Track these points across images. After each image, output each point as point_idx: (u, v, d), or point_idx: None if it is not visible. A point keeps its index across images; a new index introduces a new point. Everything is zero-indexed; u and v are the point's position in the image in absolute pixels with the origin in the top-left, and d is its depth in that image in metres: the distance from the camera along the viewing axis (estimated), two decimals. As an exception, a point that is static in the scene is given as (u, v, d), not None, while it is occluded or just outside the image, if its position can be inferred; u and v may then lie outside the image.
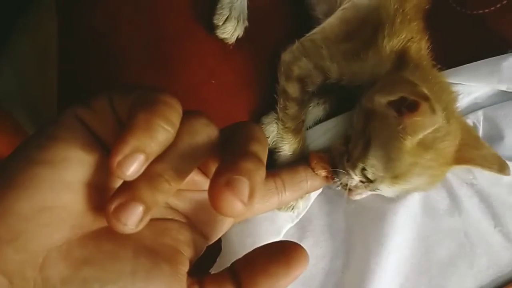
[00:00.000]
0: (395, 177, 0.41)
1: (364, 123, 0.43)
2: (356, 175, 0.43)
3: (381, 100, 0.41)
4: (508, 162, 0.47)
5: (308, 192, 0.46)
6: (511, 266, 0.48)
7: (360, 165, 0.42)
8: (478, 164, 0.44)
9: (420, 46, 0.47)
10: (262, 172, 0.28)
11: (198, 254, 0.33)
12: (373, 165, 0.41)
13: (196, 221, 0.33)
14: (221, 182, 0.26)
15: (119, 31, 0.47)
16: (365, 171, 0.42)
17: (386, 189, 0.43)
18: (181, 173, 0.28)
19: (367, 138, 0.42)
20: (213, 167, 0.28)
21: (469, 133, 0.45)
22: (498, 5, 0.52)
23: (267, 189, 0.43)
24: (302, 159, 0.46)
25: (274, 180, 0.43)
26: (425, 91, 0.37)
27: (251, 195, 0.26)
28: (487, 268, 0.48)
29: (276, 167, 0.47)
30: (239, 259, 0.32)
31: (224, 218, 0.35)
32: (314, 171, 0.45)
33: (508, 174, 0.44)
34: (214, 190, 0.26)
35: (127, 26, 0.47)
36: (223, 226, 0.36)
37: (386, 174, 0.41)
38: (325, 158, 0.45)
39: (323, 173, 0.45)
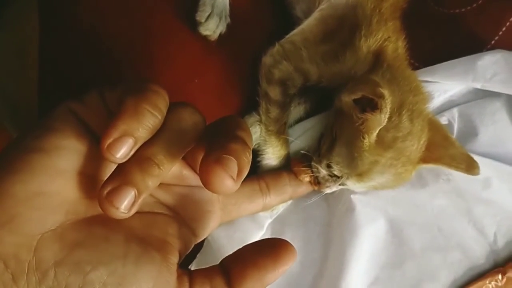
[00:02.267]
0: (359, 175, 0.45)
1: (333, 122, 0.46)
2: (322, 169, 0.46)
3: (346, 98, 0.44)
4: (482, 158, 0.51)
5: (292, 197, 0.50)
6: (483, 259, 0.52)
7: (325, 161, 0.46)
8: (445, 163, 0.48)
9: (396, 46, 0.50)
10: (248, 154, 0.32)
11: (186, 249, 0.36)
12: (338, 162, 0.45)
13: (185, 216, 0.36)
14: (211, 159, 0.29)
15: (102, 29, 0.49)
16: (331, 168, 0.45)
17: (353, 185, 0.47)
18: (170, 158, 0.32)
19: (333, 136, 0.45)
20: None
21: (438, 132, 0.49)
22: (474, 5, 0.55)
23: (252, 189, 0.46)
24: (285, 166, 0.50)
25: (259, 183, 0.47)
26: (384, 92, 0.40)
27: (240, 173, 0.30)
28: (460, 261, 0.51)
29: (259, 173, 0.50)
30: (228, 256, 0.35)
31: (211, 214, 0.38)
32: (297, 177, 0.48)
33: (476, 174, 0.48)
34: (204, 167, 0.29)
35: (110, 23, 0.49)
36: (210, 223, 0.39)
37: (351, 171, 0.44)
38: (306, 164, 0.49)
39: (306, 178, 0.48)
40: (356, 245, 0.49)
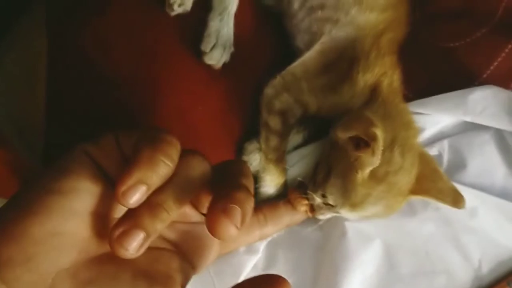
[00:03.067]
0: (352, 205, 0.48)
1: (328, 153, 0.50)
2: (317, 198, 0.50)
3: (340, 135, 0.47)
4: (470, 189, 0.54)
5: (289, 225, 0.53)
6: (468, 284, 0.55)
7: (320, 191, 0.49)
8: (433, 196, 0.51)
9: (392, 80, 0.53)
10: (251, 202, 0.35)
11: (186, 281, 0.38)
12: (332, 193, 0.48)
13: (186, 251, 0.39)
14: (218, 209, 0.32)
15: (108, 55, 0.51)
16: (326, 197, 0.49)
17: (346, 214, 0.50)
18: (179, 203, 0.34)
19: (328, 167, 0.49)
20: (203, 201, 0.34)
21: (428, 165, 0.52)
22: (468, 39, 0.58)
23: (251, 223, 0.50)
24: (282, 193, 0.53)
25: (257, 215, 0.50)
26: (377, 132, 0.43)
27: (243, 220, 0.33)
28: (446, 286, 0.55)
29: (257, 202, 0.53)
30: None
31: (210, 249, 0.41)
32: (293, 206, 0.51)
33: (461, 207, 0.51)
34: (212, 216, 0.32)
35: (116, 50, 0.51)
36: (210, 257, 0.41)
37: (344, 201, 0.48)
38: (302, 194, 0.52)
39: (302, 207, 0.51)
40: (348, 269, 0.52)
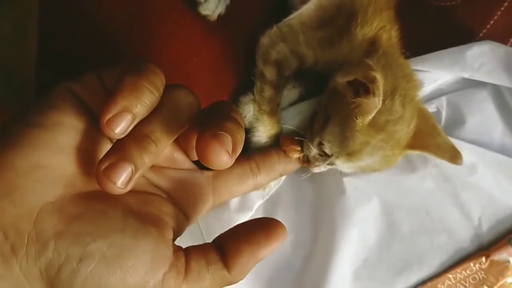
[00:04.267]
0: (349, 154, 0.47)
1: (327, 101, 0.49)
2: (314, 147, 0.49)
3: (340, 80, 0.47)
4: (469, 145, 0.55)
5: (283, 174, 0.52)
6: (468, 243, 0.55)
7: (317, 139, 0.48)
8: (431, 151, 0.51)
9: (390, 35, 0.53)
10: (242, 133, 0.34)
11: (179, 230, 0.38)
12: (330, 140, 0.47)
13: (177, 199, 0.39)
14: (208, 135, 0.32)
15: (101, 6, 0.50)
16: (322, 146, 0.48)
17: (342, 165, 0.49)
18: (167, 135, 0.34)
19: (327, 115, 0.48)
20: (194, 144, 0.33)
21: (427, 121, 0.52)
22: (465, -2, 0.58)
23: (243, 170, 0.48)
24: (274, 144, 0.52)
25: (249, 163, 0.49)
26: (376, 75, 0.42)
27: (234, 149, 0.32)
28: (446, 244, 0.55)
29: (249, 152, 0.53)
30: (221, 234, 0.37)
31: (203, 198, 0.41)
32: (286, 154, 0.51)
33: (459, 164, 0.51)
34: (201, 142, 0.32)
35: (109, 1, 0.51)
36: (202, 207, 0.41)
37: (341, 150, 0.47)
38: (295, 141, 0.51)
39: (295, 155, 0.51)
40: (346, 227, 0.52)
